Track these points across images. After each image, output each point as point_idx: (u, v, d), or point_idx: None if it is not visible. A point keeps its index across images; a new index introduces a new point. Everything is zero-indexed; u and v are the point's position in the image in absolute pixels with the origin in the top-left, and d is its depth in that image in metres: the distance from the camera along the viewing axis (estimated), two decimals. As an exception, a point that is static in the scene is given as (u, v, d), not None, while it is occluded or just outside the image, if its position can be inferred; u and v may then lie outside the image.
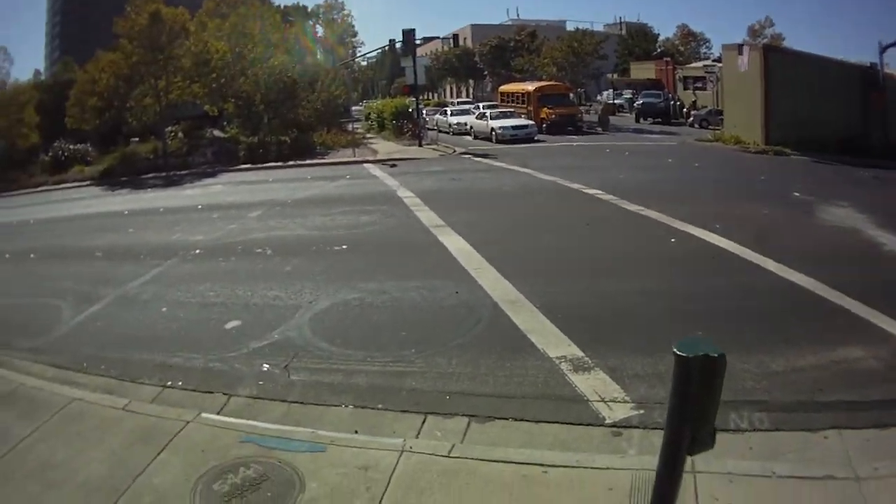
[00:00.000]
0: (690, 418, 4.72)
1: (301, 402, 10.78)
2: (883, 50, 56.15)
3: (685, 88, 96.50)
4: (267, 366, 12.19)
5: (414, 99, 64.42)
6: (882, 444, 10.09)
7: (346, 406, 10.61)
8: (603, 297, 16.17)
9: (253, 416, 10.14)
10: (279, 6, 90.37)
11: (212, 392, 11.16)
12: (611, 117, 78.09)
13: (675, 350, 4.63)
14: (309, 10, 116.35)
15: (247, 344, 13.20)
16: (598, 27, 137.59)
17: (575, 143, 57.45)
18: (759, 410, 11.11)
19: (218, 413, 10.22)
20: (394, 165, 45.27)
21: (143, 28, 50.65)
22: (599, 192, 29.99)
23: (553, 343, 13.06)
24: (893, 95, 54.81)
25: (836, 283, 16.97)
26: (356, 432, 9.51)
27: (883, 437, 10.38)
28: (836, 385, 12.11)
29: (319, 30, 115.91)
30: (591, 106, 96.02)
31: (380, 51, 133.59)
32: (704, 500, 8.38)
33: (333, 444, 8.88)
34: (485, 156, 49.00)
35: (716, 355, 4.55)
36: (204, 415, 9.81)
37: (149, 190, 39.90)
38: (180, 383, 11.65)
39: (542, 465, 8.91)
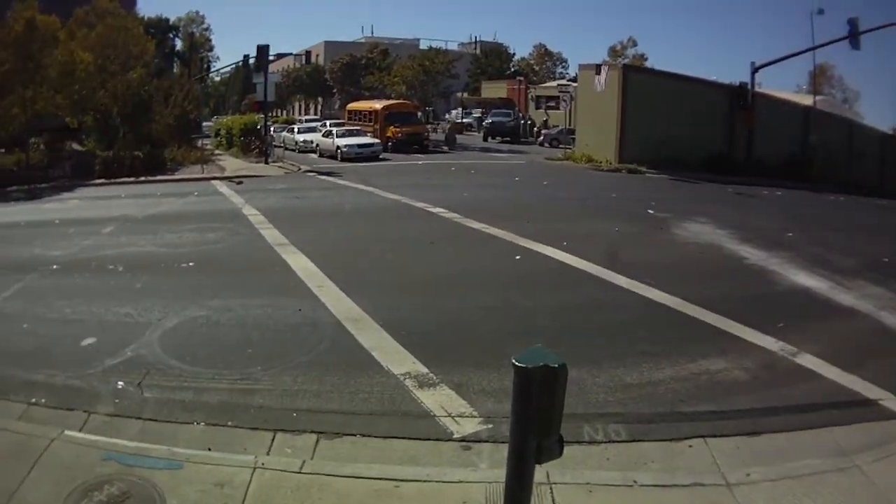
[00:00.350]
0: (534, 428, 4.98)
1: (155, 420, 10.84)
2: (755, 70, 58.28)
3: (538, 108, 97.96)
4: (122, 383, 12.24)
5: (263, 116, 64.09)
6: (753, 451, 10.38)
7: (199, 423, 10.75)
8: (446, 314, 16.60)
9: (112, 433, 10.16)
10: (142, 17, 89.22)
11: (73, 409, 11.13)
12: (458, 136, 79.03)
13: (514, 361, 4.89)
14: (171, 22, 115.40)
15: (102, 361, 13.19)
16: (453, 46, 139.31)
17: (420, 162, 58.14)
18: (615, 422, 11.26)
19: (80, 430, 10.20)
20: (240, 182, 45.28)
21: (19, 35, 48.90)
22: (443, 210, 30.63)
23: (397, 360, 13.39)
24: (761, 114, 56.37)
25: (694, 297, 17.66)
26: (210, 449, 9.62)
27: (753, 443, 10.65)
28: (698, 396, 12.44)
29: (178, 43, 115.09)
30: (438, 125, 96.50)
31: (233, 66, 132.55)
32: (563, 510, 8.42)
33: (189, 462, 9.00)
34: (329, 174, 49.57)
35: (556, 365, 4.82)
36: (67, 432, 9.80)
37: (12, 203, 38.76)
38: (44, 400, 11.55)
39: (393, 479, 8.97)
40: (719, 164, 54.22)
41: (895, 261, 23.62)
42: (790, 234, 28.11)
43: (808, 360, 14.14)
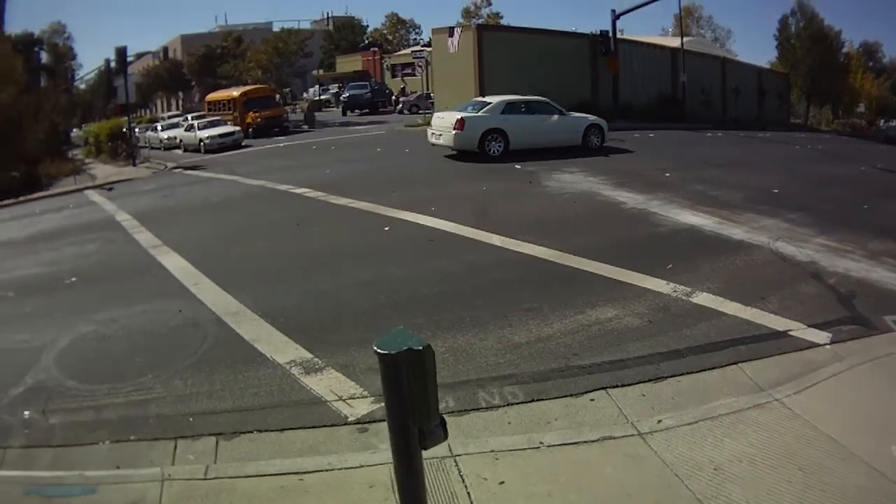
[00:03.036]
0: (412, 416, 4.75)
1: (64, 446, 10.46)
2: (616, 17, 59.02)
3: (394, 76, 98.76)
4: (28, 413, 11.81)
5: (127, 118, 62.79)
6: (660, 397, 10.33)
7: (104, 442, 10.39)
8: (322, 296, 16.42)
9: (28, 465, 9.87)
10: (9, 35, 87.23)
11: (-10, 448, 10.60)
12: (317, 114, 78.79)
13: (375, 348, 4.68)
14: (35, 35, 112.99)
15: (7, 392, 12.69)
16: (306, 25, 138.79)
17: (282, 144, 57.72)
18: (510, 384, 11.04)
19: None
20: (111, 189, 44.29)
21: None
22: (307, 189, 30.54)
23: (280, 349, 13.21)
24: (627, 60, 57.42)
25: (572, 248, 17.70)
26: (118, 467, 9.42)
27: (658, 389, 10.60)
28: (592, 347, 12.33)
29: (44, 56, 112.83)
30: (297, 105, 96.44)
31: (96, 72, 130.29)
32: (473, 481, 8.24)
33: (102, 483, 8.78)
34: (195, 168, 48.64)
35: (420, 348, 4.61)
36: (-12, 472, 9.38)
37: None
38: (-40, 443, 11.06)
39: (296, 473, 8.72)
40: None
41: (786, 191, 23.95)
42: (668, 175, 28.37)
43: (704, 299, 14.27)
